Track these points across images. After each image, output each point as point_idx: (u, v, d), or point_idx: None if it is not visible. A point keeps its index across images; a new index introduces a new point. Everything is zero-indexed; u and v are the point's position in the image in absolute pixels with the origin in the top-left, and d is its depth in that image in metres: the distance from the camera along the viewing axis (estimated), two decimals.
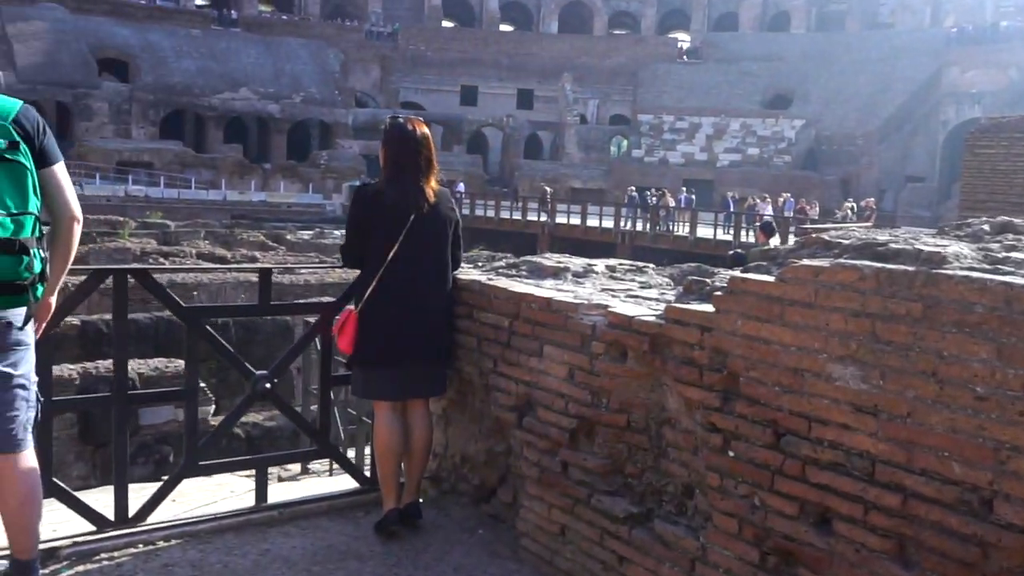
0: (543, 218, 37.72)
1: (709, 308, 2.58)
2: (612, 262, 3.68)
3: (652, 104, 60.64)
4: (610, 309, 2.92)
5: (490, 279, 3.53)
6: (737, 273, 2.55)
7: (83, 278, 3.38)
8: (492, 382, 3.44)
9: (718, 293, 2.55)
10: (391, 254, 3.43)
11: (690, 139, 57.22)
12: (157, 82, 51.66)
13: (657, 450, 2.84)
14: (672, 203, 37.20)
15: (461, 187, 45.73)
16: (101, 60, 51.64)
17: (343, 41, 61.89)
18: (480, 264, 3.86)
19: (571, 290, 3.26)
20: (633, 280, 3.49)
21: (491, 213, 39.98)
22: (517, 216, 39.16)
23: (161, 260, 19.62)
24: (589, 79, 63.59)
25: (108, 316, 14.20)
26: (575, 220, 36.80)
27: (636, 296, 3.13)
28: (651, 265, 3.73)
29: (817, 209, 36.95)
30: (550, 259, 3.65)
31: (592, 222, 36.21)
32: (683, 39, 71.08)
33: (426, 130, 3.68)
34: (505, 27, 71.13)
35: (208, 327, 3.44)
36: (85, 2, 56.30)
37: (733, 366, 2.49)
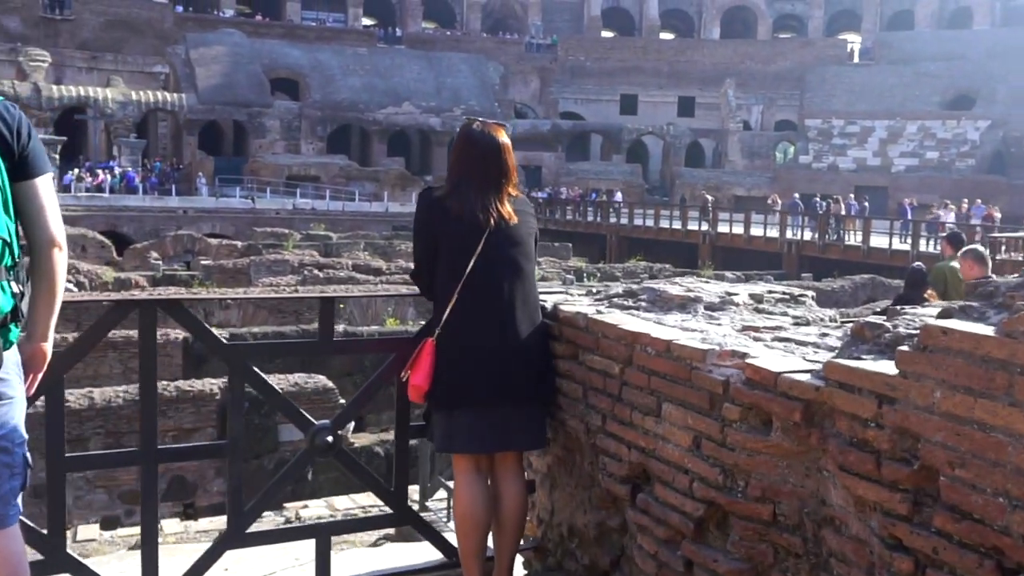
0: (704, 227, 36.36)
1: (891, 368, 1.78)
2: (759, 289, 2.88)
3: (820, 108, 58.10)
4: (749, 360, 2.14)
5: (599, 312, 2.80)
6: (933, 319, 1.74)
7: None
8: (600, 443, 2.71)
9: (904, 348, 1.75)
10: (466, 272, 2.88)
11: (862, 143, 54.38)
12: (325, 99, 53.36)
13: (815, 559, 2.04)
14: (843, 210, 35.37)
15: (618, 196, 44.88)
16: (274, 80, 53.83)
17: (503, 54, 62.32)
18: (594, 291, 3.14)
19: (700, 329, 2.49)
20: (785, 314, 2.69)
21: (650, 223, 38.92)
22: (677, 225, 37.92)
23: (316, 271, 19.82)
24: (753, 84, 61.63)
25: (256, 329, 14.32)
26: (738, 229, 35.27)
27: (787, 339, 2.34)
28: (810, 292, 2.91)
29: (999, 215, 34.06)
30: (678, 286, 2.90)
31: (756, 231, 34.60)
32: (853, 40, 67.87)
33: (503, 139, 3.06)
34: (665, 35, 69.85)
35: (255, 369, 2.89)
36: (261, 26, 59.07)
37: (929, 458, 1.68)
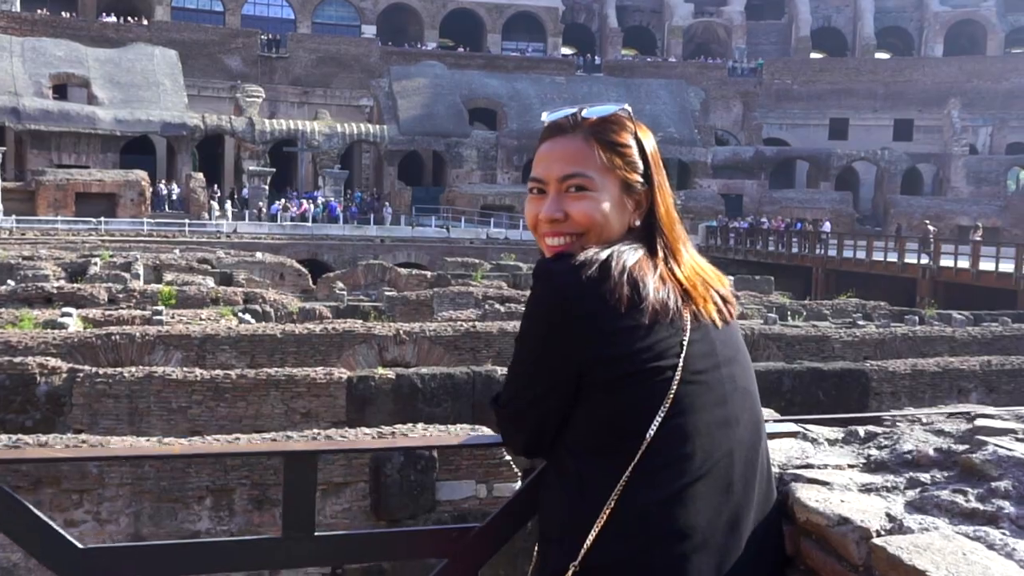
0: (923, 260, 32.96)
1: None
2: None
3: None
4: None
5: (893, 522, 1.24)
6: None
7: None
8: None
9: None
10: (649, 437, 1.41)
11: None
12: (521, 128, 53.11)
13: None
14: None
15: (827, 227, 41.77)
16: (472, 110, 54.19)
17: (704, 79, 60.25)
18: (861, 438, 1.55)
19: None
20: None
21: (861, 255, 35.74)
22: (892, 258, 34.57)
23: (497, 306, 18.79)
24: (980, 104, 56.60)
25: (425, 370, 13.32)
26: (963, 263, 31.64)
27: None
28: None
29: None
30: None
31: (986, 265, 30.90)
32: None
33: (652, 141, 1.74)
34: (881, 54, 65.40)
35: None
36: (462, 58, 59.94)
37: None
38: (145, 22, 55.50)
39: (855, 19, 65.04)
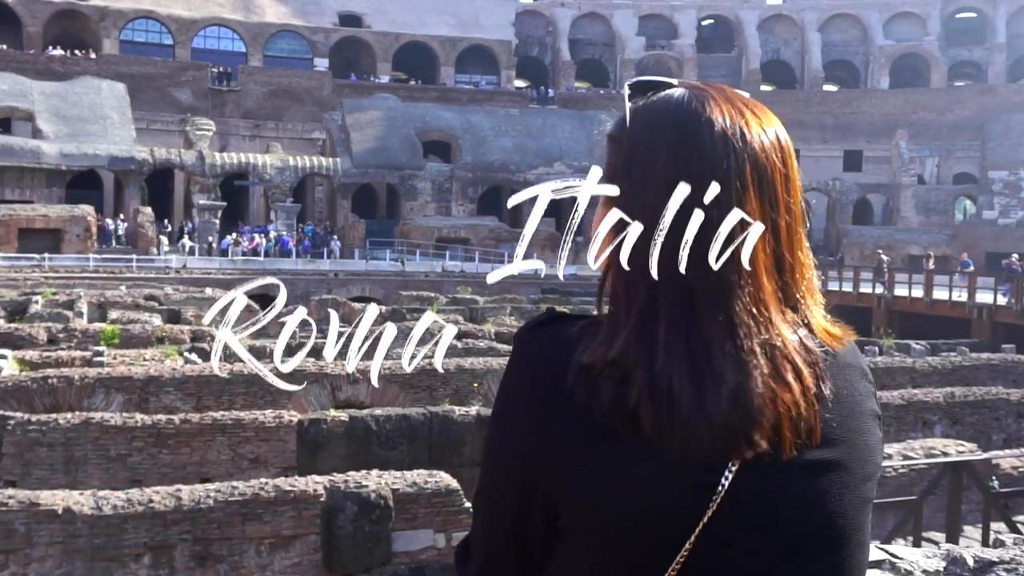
0: (879, 290, 33.21)
1: None
2: None
3: (1006, 159, 53.56)
4: None
5: None
6: None
7: None
8: None
9: None
10: None
11: None
12: (476, 161, 52.98)
13: None
14: None
15: None
16: (426, 143, 53.97)
17: None
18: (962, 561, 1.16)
19: None
20: None
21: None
22: (848, 288, 34.77)
23: (454, 342, 18.34)
24: (926, 135, 57.71)
25: (379, 411, 12.85)
26: (917, 292, 31.93)
27: None
28: None
29: None
30: None
31: (939, 294, 31.19)
32: None
33: (778, 133, 1.10)
34: (829, 87, 66.55)
35: None
36: (415, 91, 59.80)
37: None
38: (93, 55, 54.64)
39: (803, 52, 66.17)
